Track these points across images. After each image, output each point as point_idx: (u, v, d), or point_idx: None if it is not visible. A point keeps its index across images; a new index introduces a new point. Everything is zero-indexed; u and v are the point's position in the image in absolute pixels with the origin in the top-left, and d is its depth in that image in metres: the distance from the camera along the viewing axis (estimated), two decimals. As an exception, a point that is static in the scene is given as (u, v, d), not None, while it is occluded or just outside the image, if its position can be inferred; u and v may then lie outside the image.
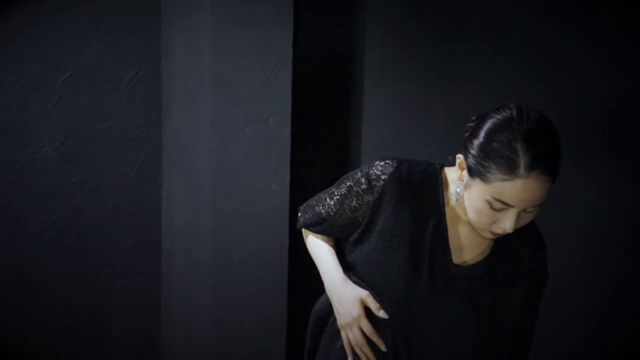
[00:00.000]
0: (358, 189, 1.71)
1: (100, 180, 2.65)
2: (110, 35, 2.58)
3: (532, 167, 1.49)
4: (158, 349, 2.83)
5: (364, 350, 1.71)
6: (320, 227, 1.80)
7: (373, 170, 1.69)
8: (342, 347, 1.76)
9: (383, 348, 1.70)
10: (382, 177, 1.68)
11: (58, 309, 2.67)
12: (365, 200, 1.70)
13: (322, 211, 1.78)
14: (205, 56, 2.50)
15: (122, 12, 2.58)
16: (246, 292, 2.61)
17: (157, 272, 2.79)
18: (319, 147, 2.82)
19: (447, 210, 1.68)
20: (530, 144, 1.49)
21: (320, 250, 1.82)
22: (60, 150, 2.57)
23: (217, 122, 2.53)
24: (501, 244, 1.67)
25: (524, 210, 1.54)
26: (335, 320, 1.79)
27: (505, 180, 1.49)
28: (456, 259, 1.68)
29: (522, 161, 1.48)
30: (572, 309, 2.94)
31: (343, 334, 1.75)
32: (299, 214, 1.88)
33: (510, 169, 1.49)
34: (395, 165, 1.68)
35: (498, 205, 1.53)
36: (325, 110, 2.82)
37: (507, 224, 1.55)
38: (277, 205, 2.58)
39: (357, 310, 1.69)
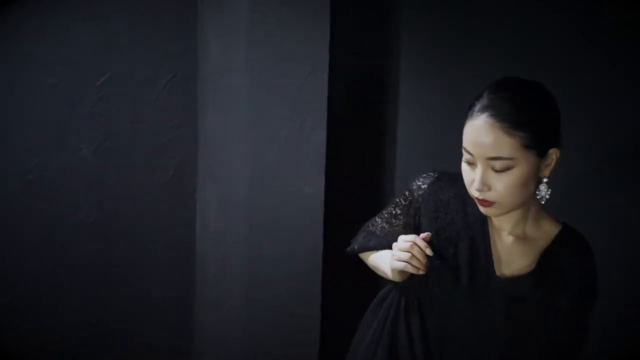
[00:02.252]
0: (403, 202, 1.76)
1: (135, 182, 2.66)
2: (147, 39, 2.60)
3: (485, 109, 1.52)
4: (189, 354, 2.83)
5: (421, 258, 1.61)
6: (375, 242, 1.79)
7: (415, 182, 1.75)
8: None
9: (429, 252, 1.59)
10: (423, 186, 1.73)
11: (91, 310, 2.69)
12: (411, 212, 1.74)
13: (376, 230, 1.80)
14: (241, 59, 2.50)
15: (159, 15, 2.60)
16: (280, 296, 2.61)
17: (191, 276, 2.79)
18: (354, 151, 2.81)
19: (490, 220, 1.67)
20: (495, 89, 1.54)
21: (380, 254, 1.78)
22: (97, 152, 2.59)
23: (252, 125, 2.53)
24: (548, 258, 1.63)
25: (492, 169, 1.52)
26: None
27: (466, 124, 1.54)
28: (499, 270, 1.65)
29: (479, 102, 1.53)
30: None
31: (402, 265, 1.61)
32: (352, 244, 1.87)
33: (469, 110, 1.54)
34: (436, 176, 1.74)
35: (467, 158, 1.56)
36: (360, 115, 2.82)
37: (475, 182, 1.55)
38: (312, 209, 2.58)
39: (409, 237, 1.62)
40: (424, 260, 1.57)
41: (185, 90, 2.67)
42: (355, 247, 1.84)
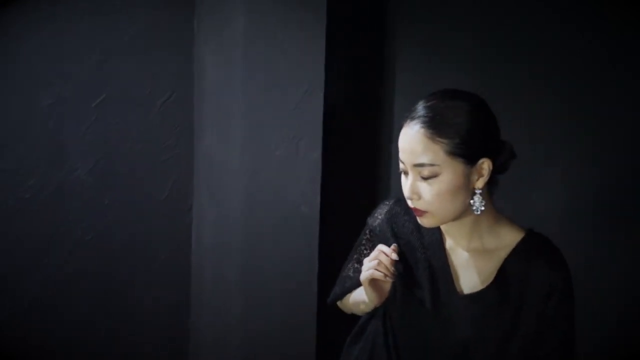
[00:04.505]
0: (365, 239, 1.78)
1: (132, 201, 2.67)
2: (143, 58, 2.61)
3: (414, 116, 1.55)
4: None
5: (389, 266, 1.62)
6: (350, 283, 1.79)
7: (372, 215, 1.79)
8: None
9: (394, 256, 1.59)
10: (379, 217, 1.76)
11: (88, 328, 2.68)
12: (375, 245, 1.70)
13: (349, 273, 1.80)
14: (237, 79, 2.52)
15: (155, 35, 2.61)
16: (275, 313, 2.61)
17: (187, 293, 2.79)
18: (349, 170, 2.82)
19: (445, 238, 1.66)
20: (427, 98, 1.57)
21: (357, 291, 1.78)
22: (94, 171, 2.60)
23: (248, 144, 2.54)
24: (508, 267, 1.61)
25: (421, 176, 1.53)
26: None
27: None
28: (460, 287, 1.64)
29: (412, 111, 1.57)
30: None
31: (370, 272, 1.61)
32: (330, 296, 1.86)
33: (404, 118, 1.58)
34: (390, 203, 1.76)
35: (401, 166, 1.58)
36: (355, 134, 2.83)
37: (405, 190, 1.57)
38: (307, 227, 2.58)
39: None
40: (390, 267, 1.57)
41: (181, 109, 2.68)
42: (336, 292, 1.83)
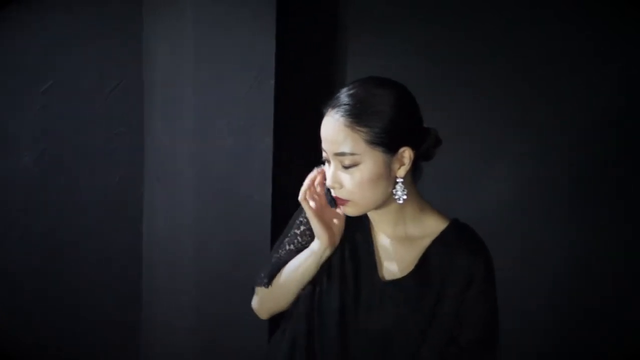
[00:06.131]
0: (298, 230, 1.73)
1: (81, 189, 2.63)
2: (91, 45, 2.57)
3: (334, 105, 1.55)
4: (137, 358, 2.82)
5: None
6: (284, 259, 1.74)
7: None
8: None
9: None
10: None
11: (36, 318, 2.65)
12: (306, 236, 1.72)
13: (280, 255, 1.75)
14: (187, 66, 2.50)
15: (103, 22, 2.58)
16: (229, 301, 2.61)
17: (138, 281, 2.77)
18: (301, 158, 2.82)
19: (372, 225, 1.67)
20: (349, 86, 1.56)
21: (289, 264, 1.73)
22: (41, 160, 2.56)
23: (199, 131, 2.53)
24: (430, 256, 1.62)
25: (342, 165, 1.53)
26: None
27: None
28: (382, 274, 1.64)
29: (333, 99, 1.56)
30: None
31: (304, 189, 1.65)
32: (259, 281, 1.77)
33: (325, 106, 1.57)
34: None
35: (323, 155, 1.58)
36: (307, 121, 2.82)
37: (327, 178, 1.56)
38: (259, 216, 2.58)
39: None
40: (319, 189, 1.61)
41: (131, 96, 2.65)
42: (267, 275, 1.73)
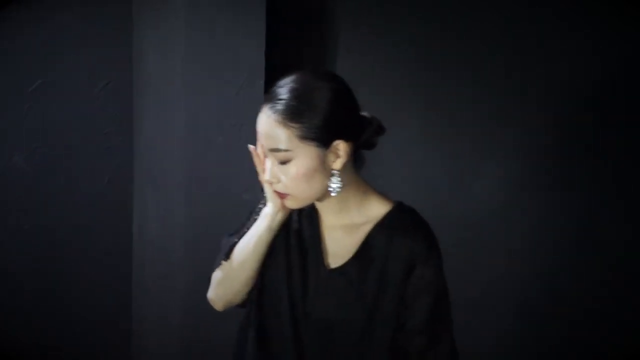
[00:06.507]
0: (259, 206, 1.71)
1: (71, 189, 2.63)
2: (81, 44, 2.57)
3: (267, 100, 1.54)
4: (129, 358, 2.82)
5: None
6: (239, 236, 1.73)
7: (262, 194, 1.72)
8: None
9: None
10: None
11: (25, 318, 2.65)
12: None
13: (240, 234, 1.73)
14: (177, 65, 2.49)
15: (93, 22, 2.58)
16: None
17: (128, 281, 2.77)
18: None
19: (319, 214, 1.67)
20: (281, 81, 1.55)
21: (242, 239, 1.71)
22: (30, 159, 2.56)
23: (189, 131, 2.52)
24: (370, 241, 1.61)
25: (278, 161, 1.53)
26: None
27: None
28: (328, 261, 1.64)
29: (268, 94, 1.55)
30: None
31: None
32: (216, 265, 1.77)
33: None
34: None
35: (261, 150, 1.58)
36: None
37: (265, 173, 1.57)
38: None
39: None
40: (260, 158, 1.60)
41: (120, 96, 2.65)
42: (224, 252, 1.73)
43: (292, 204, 1.59)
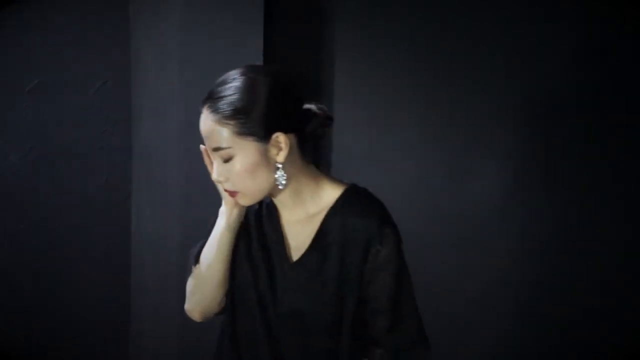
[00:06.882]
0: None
1: (68, 189, 2.63)
2: (78, 44, 2.57)
3: (205, 99, 1.55)
4: (126, 359, 2.81)
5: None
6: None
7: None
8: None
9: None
10: None
11: (24, 318, 2.64)
12: None
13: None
14: (174, 65, 2.49)
15: (90, 21, 2.57)
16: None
17: (126, 281, 2.77)
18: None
19: (277, 209, 1.66)
20: (217, 82, 1.56)
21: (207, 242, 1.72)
22: (27, 158, 2.55)
23: (186, 131, 2.52)
24: (325, 227, 1.61)
25: (221, 159, 1.54)
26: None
27: None
28: (294, 256, 1.63)
29: (206, 93, 1.56)
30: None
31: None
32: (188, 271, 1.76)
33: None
34: None
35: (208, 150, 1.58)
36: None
37: (212, 172, 1.58)
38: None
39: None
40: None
41: (118, 96, 2.65)
42: (193, 258, 1.71)
43: (244, 200, 1.59)
